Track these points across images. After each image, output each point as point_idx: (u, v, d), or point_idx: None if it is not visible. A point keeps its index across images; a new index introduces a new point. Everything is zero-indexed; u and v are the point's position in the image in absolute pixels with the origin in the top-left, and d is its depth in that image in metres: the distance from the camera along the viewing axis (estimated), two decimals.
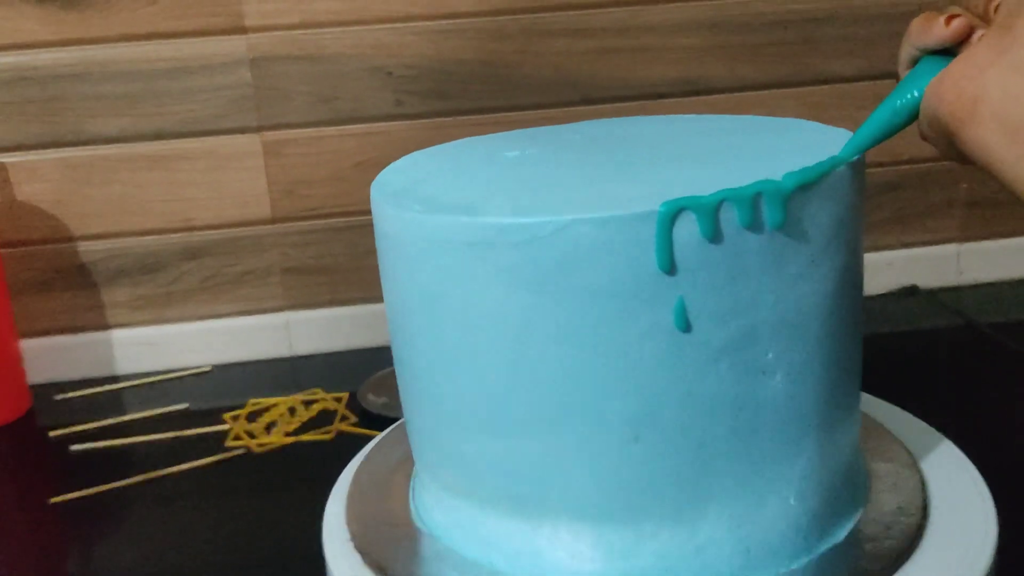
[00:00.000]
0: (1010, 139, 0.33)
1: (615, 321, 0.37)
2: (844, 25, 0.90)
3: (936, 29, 0.37)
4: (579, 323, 0.37)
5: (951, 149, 0.37)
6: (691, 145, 0.46)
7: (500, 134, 0.54)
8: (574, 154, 0.47)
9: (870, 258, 0.97)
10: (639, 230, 0.36)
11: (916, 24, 0.38)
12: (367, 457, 0.54)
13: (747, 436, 0.39)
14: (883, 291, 0.98)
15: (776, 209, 0.37)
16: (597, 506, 0.40)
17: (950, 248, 0.99)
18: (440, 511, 0.45)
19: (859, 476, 0.46)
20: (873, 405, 0.55)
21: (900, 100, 0.38)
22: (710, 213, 0.36)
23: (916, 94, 0.38)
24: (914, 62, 0.39)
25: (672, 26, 0.88)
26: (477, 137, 0.54)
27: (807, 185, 0.38)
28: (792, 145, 0.43)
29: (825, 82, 0.91)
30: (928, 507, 0.44)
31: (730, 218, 0.36)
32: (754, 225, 0.37)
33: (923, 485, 0.46)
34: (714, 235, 0.36)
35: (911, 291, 0.98)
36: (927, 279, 0.99)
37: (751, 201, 0.36)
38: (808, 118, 0.50)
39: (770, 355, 0.38)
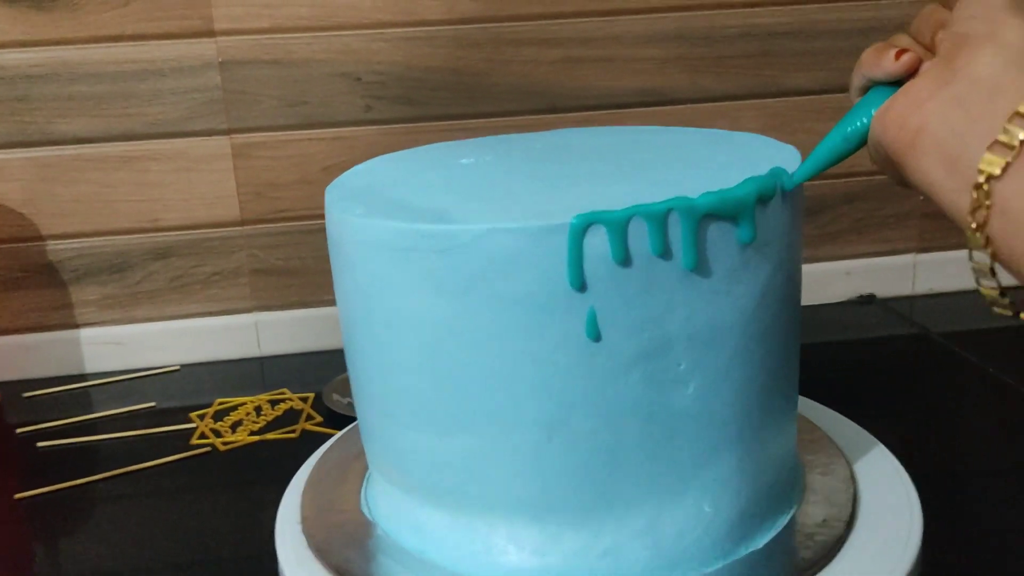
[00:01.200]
0: (948, 170, 0.34)
1: (529, 328, 0.38)
2: (805, 39, 0.92)
3: (886, 62, 0.38)
4: (496, 329, 0.39)
5: (896, 175, 0.38)
6: (649, 158, 0.47)
7: (464, 141, 0.56)
8: (529, 163, 0.48)
9: (829, 267, 1.00)
10: (552, 241, 0.37)
11: (867, 55, 0.39)
12: (328, 450, 0.55)
13: (659, 443, 0.40)
14: (841, 299, 1.00)
15: (688, 228, 0.38)
16: (511, 503, 0.41)
17: (907, 258, 1.02)
18: (383, 500, 0.47)
19: (789, 485, 0.47)
20: (819, 413, 0.56)
21: (850, 127, 0.40)
22: (620, 228, 0.37)
23: (865, 121, 0.39)
24: (865, 90, 0.40)
25: (636, 37, 0.90)
26: (442, 143, 0.55)
27: (726, 205, 0.38)
28: (747, 162, 0.44)
29: (786, 94, 0.93)
30: (854, 521, 0.45)
31: (643, 235, 0.37)
32: (664, 252, 0.38)
33: (855, 498, 0.46)
34: (624, 259, 0.37)
35: (868, 300, 1.01)
36: (884, 288, 1.01)
37: (662, 217, 0.37)
38: (769, 129, 0.51)
39: (683, 366, 0.39)
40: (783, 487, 0.46)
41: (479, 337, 0.39)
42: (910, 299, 1.01)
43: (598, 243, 0.37)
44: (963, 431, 0.73)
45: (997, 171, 0.32)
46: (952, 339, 0.90)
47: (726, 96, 0.92)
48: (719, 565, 0.42)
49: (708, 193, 0.38)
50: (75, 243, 0.89)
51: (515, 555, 0.42)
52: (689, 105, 0.92)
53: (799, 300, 0.46)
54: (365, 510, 0.48)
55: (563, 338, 0.38)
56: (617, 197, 0.38)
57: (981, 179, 0.32)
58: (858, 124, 0.39)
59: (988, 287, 0.36)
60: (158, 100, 0.86)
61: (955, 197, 0.34)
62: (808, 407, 0.57)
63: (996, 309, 0.36)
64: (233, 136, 0.87)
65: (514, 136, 0.56)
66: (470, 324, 0.39)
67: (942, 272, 1.02)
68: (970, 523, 0.59)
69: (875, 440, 0.52)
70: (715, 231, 0.39)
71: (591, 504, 0.41)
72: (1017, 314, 0.36)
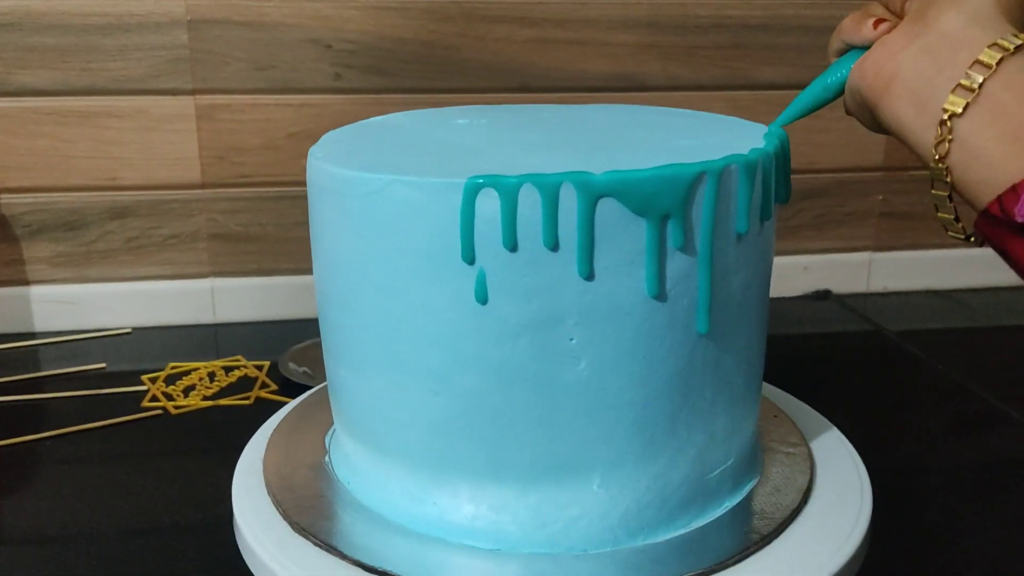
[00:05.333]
0: (918, 110, 0.39)
1: (424, 282, 0.39)
2: (775, 34, 0.93)
3: (864, 30, 0.43)
4: (398, 277, 0.40)
5: (871, 120, 0.43)
6: (650, 136, 0.47)
7: (476, 106, 0.56)
8: (520, 130, 0.48)
9: (787, 261, 1.01)
10: (448, 199, 0.38)
11: (848, 23, 0.45)
12: (302, 401, 0.56)
13: (548, 413, 0.40)
14: (798, 294, 1.02)
15: (584, 205, 0.37)
16: (408, 447, 0.43)
17: (863, 256, 1.03)
18: (335, 440, 0.49)
19: (710, 485, 0.44)
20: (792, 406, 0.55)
21: (831, 78, 0.45)
22: (511, 194, 0.37)
23: (843, 73, 0.44)
24: (841, 52, 0.45)
25: (610, 22, 0.90)
26: (459, 107, 0.56)
27: (628, 188, 0.37)
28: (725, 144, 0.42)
29: (755, 87, 0.94)
30: (777, 535, 0.43)
31: (536, 205, 0.37)
32: (554, 245, 0.37)
33: (795, 509, 0.44)
34: (513, 244, 0.37)
35: (824, 295, 1.02)
36: (840, 284, 1.03)
37: (554, 189, 0.37)
38: None
39: (574, 341, 0.39)
40: (709, 485, 0.44)
41: (385, 282, 0.40)
42: (864, 296, 1.03)
43: (491, 207, 0.37)
44: (909, 427, 0.74)
45: (959, 110, 0.37)
46: (903, 337, 0.92)
47: (696, 85, 0.93)
48: (608, 549, 0.41)
49: (612, 172, 0.37)
50: (29, 198, 0.87)
51: (405, 499, 0.43)
52: (660, 92, 0.92)
53: (755, 294, 0.43)
54: (326, 446, 0.50)
55: (453, 296, 0.39)
56: (579, 164, 0.38)
57: (945, 116, 0.38)
58: (837, 76, 0.44)
59: (945, 214, 0.41)
60: (122, 56, 0.84)
61: (922, 134, 0.39)
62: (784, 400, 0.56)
63: (950, 233, 0.42)
64: (198, 97, 0.86)
65: (526, 106, 0.56)
66: (379, 269, 0.40)
67: (897, 271, 1.04)
68: (910, 520, 0.60)
69: (840, 443, 0.50)
70: (617, 212, 0.37)
71: (476, 462, 0.41)
72: (968, 238, 0.41)
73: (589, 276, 0.38)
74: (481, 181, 0.37)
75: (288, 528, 0.44)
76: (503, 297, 0.38)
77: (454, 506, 0.42)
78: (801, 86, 0.47)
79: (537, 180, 0.37)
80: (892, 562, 0.54)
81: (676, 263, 0.39)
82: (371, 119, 0.51)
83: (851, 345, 0.92)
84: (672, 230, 0.38)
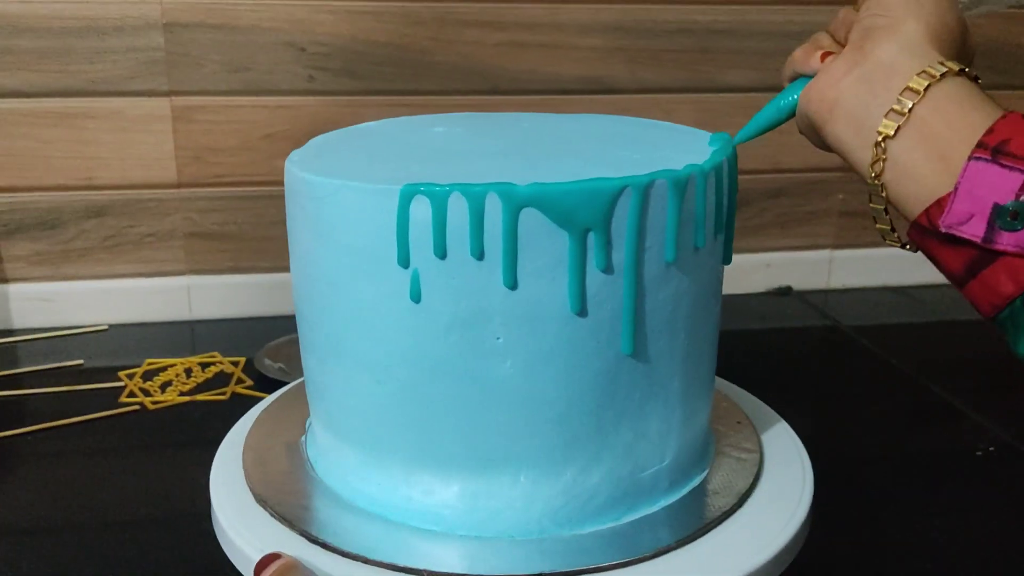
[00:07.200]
0: (856, 132, 0.43)
1: (364, 280, 0.42)
2: (740, 38, 0.95)
3: (813, 61, 0.47)
4: (344, 275, 0.43)
5: (818, 140, 0.47)
6: (590, 145, 0.48)
7: (458, 114, 0.58)
8: (489, 138, 0.50)
9: (750, 258, 1.04)
10: (386, 204, 0.40)
11: (798, 54, 0.48)
12: (281, 395, 0.58)
13: (478, 407, 0.42)
14: (760, 290, 1.05)
15: (508, 214, 0.39)
16: (355, 431, 0.45)
17: (824, 254, 1.06)
18: (311, 430, 0.52)
19: (642, 483, 0.45)
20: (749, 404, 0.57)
21: (783, 101, 0.48)
22: (441, 201, 0.39)
23: (794, 97, 0.48)
24: (793, 78, 0.49)
25: (579, 26, 0.92)
26: (441, 115, 0.57)
27: (550, 201, 0.39)
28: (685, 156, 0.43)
29: (720, 90, 0.96)
30: (702, 535, 0.44)
31: (464, 211, 0.39)
32: (480, 254, 0.39)
33: (727, 511, 0.45)
34: (443, 252, 0.40)
35: (785, 291, 1.05)
36: (801, 281, 1.06)
37: (480, 198, 0.39)
38: (701, 124, 0.53)
39: (500, 340, 0.41)
40: (642, 483, 0.45)
41: (335, 279, 0.43)
42: (824, 292, 1.06)
43: (424, 213, 0.40)
44: (861, 419, 0.77)
45: (892, 132, 0.41)
46: (861, 332, 0.95)
47: (663, 88, 0.95)
48: (535, 536, 0.43)
49: (535, 183, 0.38)
50: (7, 197, 0.88)
51: (355, 478, 0.46)
52: (627, 95, 0.95)
53: (691, 314, 0.44)
54: (304, 436, 0.52)
55: (391, 294, 0.41)
56: (541, 175, 0.40)
57: (879, 138, 0.42)
58: (789, 100, 0.48)
59: (882, 225, 0.45)
60: (99, 58, 0.85)
61: (860, 154, 0.43)
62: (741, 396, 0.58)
63: (887, 241, 0.46)
64: (174, 98, 0.87)
65: (503, 115, 0.57)
66: (330, 266, 0.43)
67: (856, 269, 1.07)
68: (861, 507, 0.63)
69: (800, 454, 0.51)
70: (540, 222, 0.39)
71: (408, 448, 0.43)
72: (903, 245, 0.45)
73: (513, 285, 0.40)
74: (415, 188, 0.39)
75: (251, 498, 0.46)
76: (435, 296, 0.40)
77: (392, 487, 0.44)
78: (764, 89, 0.50)
79: (464, 189, 0.39)
80: (833, 555, 0.57)
81: (598, 279, 0.40)
82: (358, 125, 0.53)
83: (810, 340, 0.95)
84: (594, 244, 0.40)
